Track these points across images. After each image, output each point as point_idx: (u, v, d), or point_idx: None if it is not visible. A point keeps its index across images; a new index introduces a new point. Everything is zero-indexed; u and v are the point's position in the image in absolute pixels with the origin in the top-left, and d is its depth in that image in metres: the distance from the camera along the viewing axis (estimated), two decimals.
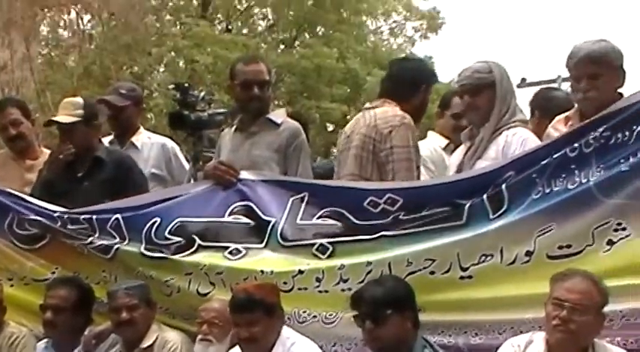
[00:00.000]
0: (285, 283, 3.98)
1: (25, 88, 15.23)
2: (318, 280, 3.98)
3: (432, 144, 4.93)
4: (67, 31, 17.61)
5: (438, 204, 3.87)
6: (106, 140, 5.28)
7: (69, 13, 17.03)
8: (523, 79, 18.84)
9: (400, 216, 3.92)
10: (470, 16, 43.19)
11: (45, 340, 4.37)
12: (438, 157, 4.85)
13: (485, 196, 3.80)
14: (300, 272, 4.01)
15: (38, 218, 4.46)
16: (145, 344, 4.09)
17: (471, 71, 4.26)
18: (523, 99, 4.81)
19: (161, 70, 19.40)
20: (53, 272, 4.45)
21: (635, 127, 3.60)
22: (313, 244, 4.04)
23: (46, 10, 16.54)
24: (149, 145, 5.27)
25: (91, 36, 17.52)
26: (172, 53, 18.59)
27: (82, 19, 17.33)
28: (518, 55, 35.78)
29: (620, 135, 3.64)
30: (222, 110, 5.00)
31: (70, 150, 4.73)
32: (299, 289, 4.00)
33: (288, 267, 4.02)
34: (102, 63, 16.87)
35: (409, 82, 4.49)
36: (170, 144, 5.34)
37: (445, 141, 4.97)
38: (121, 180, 4.68)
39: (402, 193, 3.97)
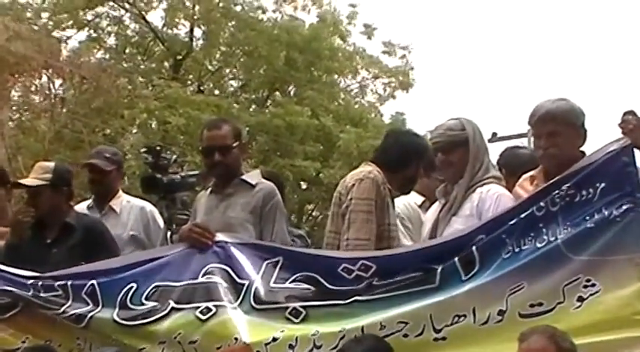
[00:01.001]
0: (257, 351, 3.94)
1: None
2: (291, 347, 3.95)
3: (408, 200, 4.95)
4: (39, 96, 17.64)
5: (411, 269, 3.90)
6: (84, 205, 5.27)
7: (40, 78, 17.10)
8: (494, 134, 19.05)
9: (374, 282, 3.93)
10: (440, 71, 43.87)
11: None
12: (414, 214, 4.88)
13: (456, 259, 3.83)
14: (274, 339, 3.96)
15: (8, 288, 4.38)
16: None
17: (443, 129, 4.30)
18: (495, 153, 4.89)
19: (134, 131, 19.41)
20: (24, 342, 4.35)
21: (598, 185, 3.67)
22: (286, 308, 4.01)
23: (17, 75, 16.57)
24: (128, 209, 5.27)
25: (63, 100, 17.58)
26: (145, 115, 18.62)
27: (53, 83, 17.42)
28: (489, 109, 36.26)
29: (584, 193, 3.70)
30: (194, 172, 4.99)
31: (30, 213, 4.71)
32: None
33: (262, 335, 3.98)
34: (74, 126, 16.86)
35: (400, 155, 4.58)
36: (149, 207, 5.34)
37: (421, 199, 5.00)
38: (92, 245, 4.66)
39: (376, 260, 4.00)
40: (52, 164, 4.92)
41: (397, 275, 3.91)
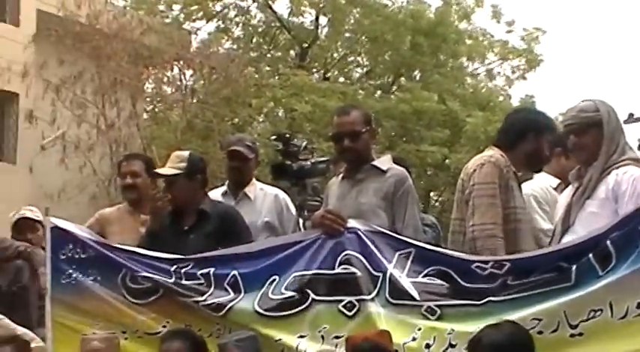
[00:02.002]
0: (395, 350, 3.95)
1: (131, 144, 15.73)
2: (428, 346, 3.97)
3: (544, 184, 4.86)
4: (171, 87, 18.14)
5: (545, 269, 3.87)
6: (218, 192, 5.39)
7: (172, 70, 17.58)
8: (631, 114, 18.37)
9: (508, 281, 3.92)
10: (572, 52, 42.49)
11: None
12: (551, 197, 4.78)
13: (591, 255, 3.78)
14: (414, 339, 3.99)
15: (151, 274, 4.53)
16: None
17: (576, 110, 4.21)
18: (631, 135, 4.72)
19: (261, 120, 19.74)
20: (164, 326, 4.49)
21: None
22: (421, 305, 4.03)
23: (150, 68, 17.10)
24: (262, 196, 5.35)
25: (193, 90, 17.99)
26: (271, 103, 18.91)
27: (184, 74, 17.86)
28: (625, 89, 34.90)
29: None
30: (324, 158, 5.06)
31: (166, 198, 4.83)
32: None
33: (403, 334, 3.99)
34: (204, 116, 17.26)
35: (515, 131, 4.52)
36: (282, 195, 5.42)
37: (556, 181, 4.89)
38: (226, 232, 4.75)
39: (509, 259, 3.99)
40: (186, 153, 5.04)
41: (531, 275, 3.88)
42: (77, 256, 4.72)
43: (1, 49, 15.19)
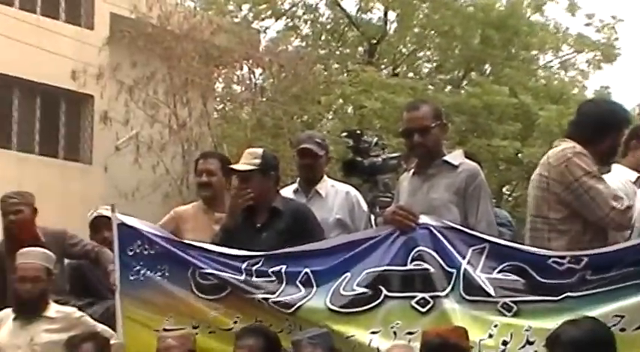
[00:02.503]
0: (471, 347, 3.89)
1: (203, 143, 15.90)
2: (505, 343, 3.91)
3: (623, 177, 4.73)
4: (240, 86, 18.28)
5: (625, 263, 3.79)
6: (289, 189, 5.40)
7: (241, 69, 17.71)
8: None
9: (586, 276, 3.84)
10: None
11: None
12: (631, 190, 4.65)
13: None
14: (490, 336, 3.94)
15: (217, 272, 4.54)
16: None
17: None
18: None
19: (330, 117, 19.75)
20: (235, 322, 4.52)
21: None
22: (497, 301, 3.97)
23: (220, 67, 17.26)
24: (333, 193, 5.35)
25: (263, 89, 18.10)
26: (340, 100, 18.89)
27: (253, 73, 17.99)
28: None
29: None
30: (395, 154, 5.02)
31: (247, 195, 4.82)
32: None
33: (480, 331, 3.94)
34: (273, 114, 17.35)
35: (593, 125, 4.35)
36: (353, 192, 5.40)
37: (635, 175, 4.76)
38: (298, 230, 4.75)
39: (587, 254, 3.90)
40: (260, 150, 5.04)
41: (611, 270, 3.79)
42: (145, 252, 4.77)
43: (76, 52, 15.52)
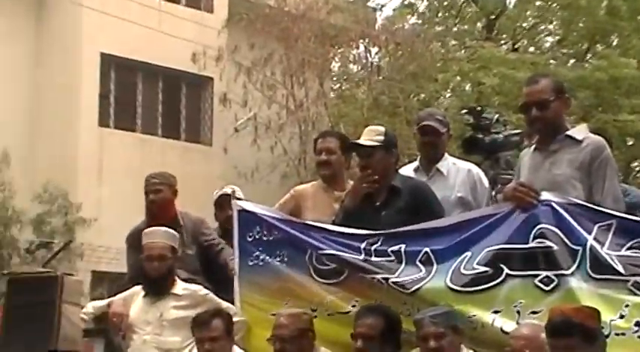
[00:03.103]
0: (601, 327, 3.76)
1: (320, 123, 15.98)
2: (638, 324, 3.78)
3: None
4: (357, 65, 18.26)
5: None
6: (409, 168, 5.35)
7: (358, 48, 17.68)
8: None
9: None
10: None
11: None
12: None
13: None
14: (621, 316, 3.81)
15: (337, 252, 4.54)
16: None
17: None
18: None
19: (448, 95, 19.49)
20: (353, 305, 4.52)
21: None
22: (627, 280, 3.83)
23: (336, 47, 17.27)
24: (454, 171, 5.26)
25: (379, 67, 18.02)
26: (458, 77, 18.60)
27: (370, 52, 17.92)
28: None
29: None
30: (517, 131, 4.89)
31: (374, 178, 4.77)
32: (616, 335, 3.79)
33: (610, 311, 3.81)
34: (390, 93, 17.24)
35: None
36: (475, 169, 5.32)
37: None
38: (418, 208, 4.70)
39: None
40: (381, 127, 5.00)
41: None
42: (264, 238, 4.83)
43: (196, 35, 15.83)
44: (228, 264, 5.14)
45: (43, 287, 7.10)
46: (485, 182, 5.20)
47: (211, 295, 5.02)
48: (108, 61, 15.76)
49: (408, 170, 5.30)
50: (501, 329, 4.06)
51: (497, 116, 4.81)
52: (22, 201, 13.55)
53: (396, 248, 4.41)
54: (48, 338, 6.61)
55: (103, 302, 5.17)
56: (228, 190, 5.77)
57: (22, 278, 7.54)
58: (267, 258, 4.79)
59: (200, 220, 5.69)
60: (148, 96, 16.58)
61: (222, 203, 5.78)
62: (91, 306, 5.23)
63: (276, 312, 4.63)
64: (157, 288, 5.02)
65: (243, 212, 4.97)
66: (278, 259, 4.76)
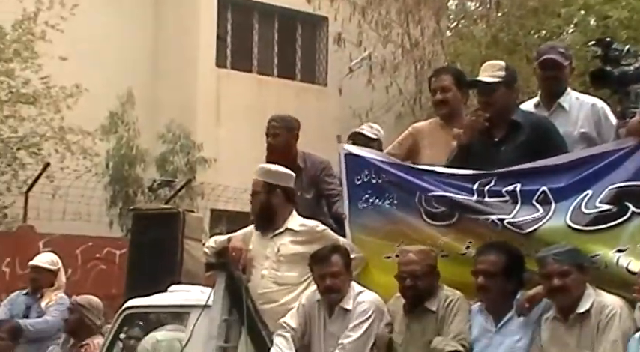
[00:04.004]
0: None
1: (436, 62, 15.71)
2: None
3: None
4: (475, 2, 17.81)
5: None
6: (530, 103, 5.21)
7: None
8: None
9: None
10: None
11: (478, 303, 4.42)
12: None
13: None
14: None
15: (448, 194, 4.49)
16: (581, 309, 3.96)
17: None
18: None
19: (570, 31, 18.80)
20: (467, 247, 4.47)
21: None
22: None
23: None
24: (578, 106, 5.08)
25: (498, 3, 17.53)
26: (582, 12, 17.89)
27: None
28: None
29: None
30: None
31: (484, 116, 4.71)
32: None
33: None
34: (509, 29, 16.78)
35: None
36: (600, 104, 5.11)
37: None
38: (539, 143, 4.59)
39: None
40: (502, 63, 4.93)
41: None
42: (372, 181, 4.84)
43: None
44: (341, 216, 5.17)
45: (166, 223, 7.31)
46: (611, 117, 4.99)
47: (328, 231, 5.05)
48: (224, 2, 15.89)
49: (528, 105, 5.16)
50: (626, 269, 3.94)
51: (627, 47, 4.57)
52: (146, 141, 13.93)
53: (510, 188, 4.33)
54: (171, 272, 6.82)
55: (224, 238, 5.28)
56: (365, 129, 5.87)
57: (147, 214, 7.77)
58: (377, 201, 4.79)
59: (324, 165, 5.73)
60: (263, 37, 16.66)
61: (356, 141, 5.77)
62: (213, 241, 5.34)
63: (390, 255, 4.61)
64: (259, 224, 5.10)
65: (350, 155, 4.98)
66: (388, 202, 4.76)
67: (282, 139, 5.65)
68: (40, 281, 7.04)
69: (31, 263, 7.22)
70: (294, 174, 5.23)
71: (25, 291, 7.21)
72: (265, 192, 5.07)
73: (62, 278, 7.25)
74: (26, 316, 6.90)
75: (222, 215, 13.88)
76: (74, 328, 6.27)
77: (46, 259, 7.21)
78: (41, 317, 6.91)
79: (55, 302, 7.00)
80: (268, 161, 5.55)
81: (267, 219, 5.07)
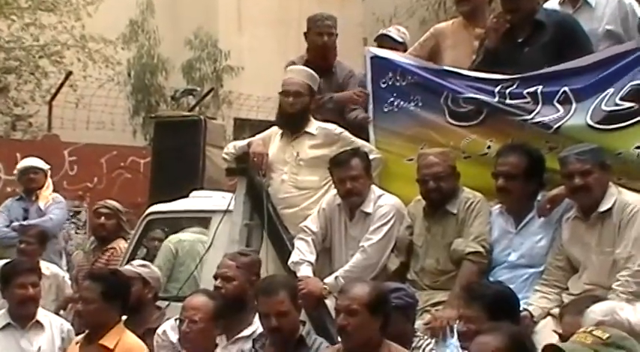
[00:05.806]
0: None
1: None
2: None
3: None
4: None
5: None
6: (555, 1, 5.07)
7: None
8: None
9: None
10: None
11: (499, 205, 4.39)
12: None
13: None
14: None
15: (474, 95, 4.46)
16: (603, 207, 3.92)
17: None
18: None
19: None
20: (489, 146, 4.45)
21: None
22: None
23: None
24: (604, 2, 4.93)
25: None
26: None
27: None
28: None
29: None
30: None
31: (505, 19, 4.62)
32: None
33: None
34: None
35: None
36: None
37: None
38: (563, 42, 4.50)
39: None
40: None
41: None
42: (398, 83, 4.81)
43: None
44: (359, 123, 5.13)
45: (187, 129, 7.32)
46: (638, 12, 4.86)
47: (346, 133, 5.02)
48: None
49: (552, 3, 5.03)
50: None
51: None
52: (167, 49, 13.82)
53: (532, 89, 4.30)
54: (193, 178, 6.86)
55: (243, 142, 5.26)
56: (392, 31, 5.84)
57: (168, 121, 7.78)
58: (402, 103, 4.77)
59: (350, 74, 5.68)
60: None
61: (382, 44, 5.72)
62: (232, 146, 5.33)
63: (412, 157, 4.59)
64: (291, 125, 5.04)
65: (375, 58, 4.93)
66: (413, 104, 4.74)
67: (334, 39, 5.62)
68: (37, 182, 7.09)
69: (24, 165, 7.24)
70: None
71: (17, 197, 7.26)
72: (308, 95, 5.03)
73: (49, 179, 7.32)
74: (25, 219, 6.97)
75: (245, 124, 13.86)
76: (110, 232, 6.31)
77: (37, 160, 7.26)
78: (43, 217, 6.98)
79: (53, 202, 7.08)
80: (311, 58, 5.51)
81: (300, 121, 5.02)
